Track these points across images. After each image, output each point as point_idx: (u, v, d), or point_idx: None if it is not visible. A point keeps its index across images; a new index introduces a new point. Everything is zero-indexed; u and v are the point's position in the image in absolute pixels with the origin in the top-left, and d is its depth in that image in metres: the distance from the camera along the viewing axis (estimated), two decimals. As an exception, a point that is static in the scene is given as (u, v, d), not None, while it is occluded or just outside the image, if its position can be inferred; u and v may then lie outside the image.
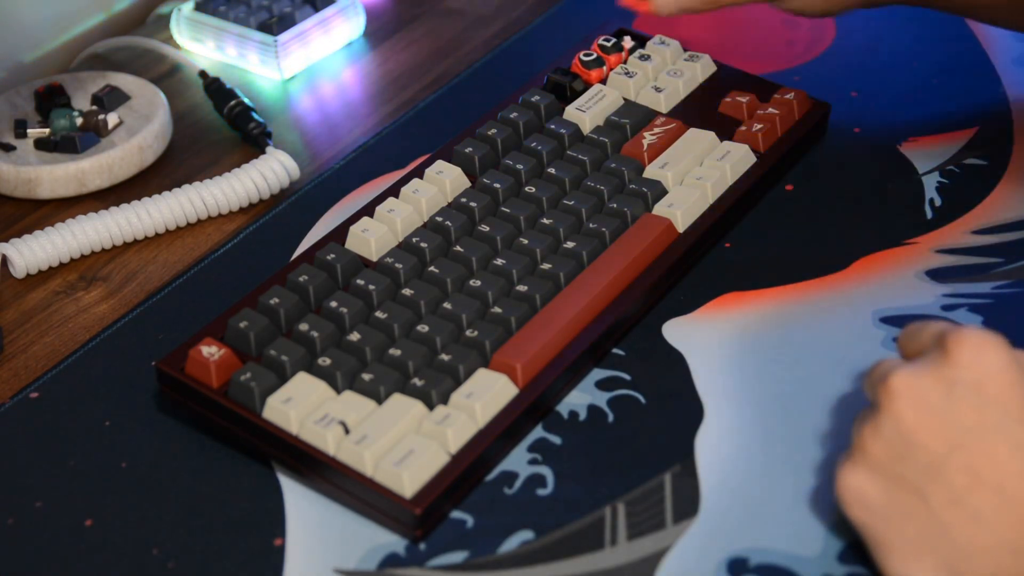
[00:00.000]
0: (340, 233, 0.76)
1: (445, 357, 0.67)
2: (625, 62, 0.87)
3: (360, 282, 0.71)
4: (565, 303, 0.70)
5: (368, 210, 0.77)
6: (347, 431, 0.64)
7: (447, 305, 0.70)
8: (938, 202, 0.80)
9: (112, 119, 0.88)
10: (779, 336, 0.72)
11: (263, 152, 0.87)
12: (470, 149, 0.80)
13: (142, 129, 0.87)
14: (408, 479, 0.62)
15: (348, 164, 0.87)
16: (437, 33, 1.01)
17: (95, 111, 0.88)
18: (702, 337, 0.72)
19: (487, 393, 0.65)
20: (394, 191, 0.78)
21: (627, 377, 0.70)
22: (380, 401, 0.65)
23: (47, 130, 0.87)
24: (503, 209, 0.76)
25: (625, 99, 0.85)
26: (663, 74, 0.86)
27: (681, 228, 0.76)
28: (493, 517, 0.63)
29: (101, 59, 0.99)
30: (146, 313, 0.76)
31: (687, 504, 0.63)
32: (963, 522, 0.55)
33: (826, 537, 0.61)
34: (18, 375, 0.73)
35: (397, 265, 0.72)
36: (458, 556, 0.62)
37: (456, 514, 0.64)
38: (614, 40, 0.88)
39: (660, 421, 0.68)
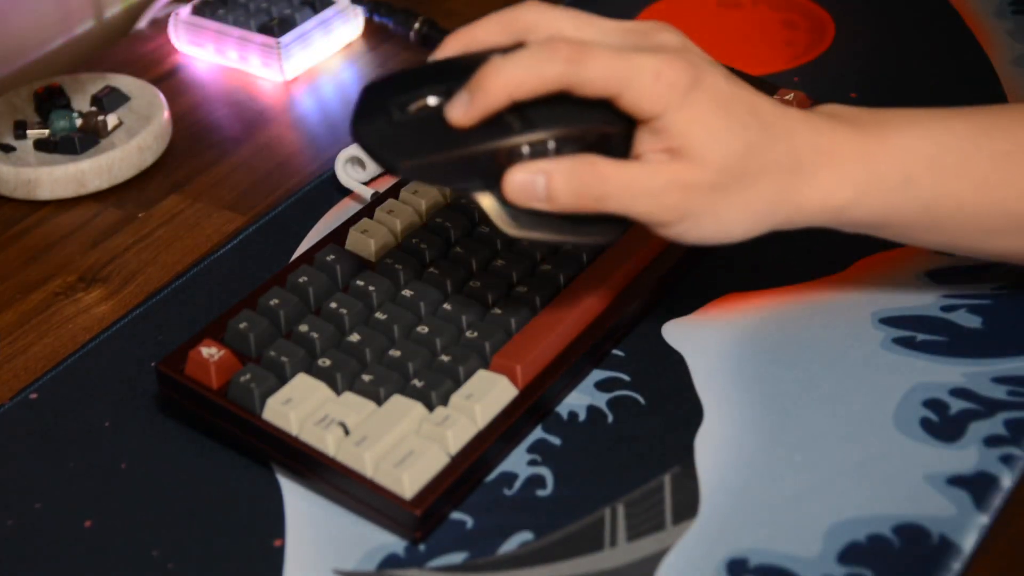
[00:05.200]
0: (340, 234, 0.76)
1: (445, 358, 0.67)
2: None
3: (360, 283, 0.71)
4: (565, 304, 0.70)
5: (368, 211, 0.77)
6: (347, 432, 0.64)
7: (447, 306, 0.70)
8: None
9: (112, 120, 0.88)
10: (779, 336, 0.72)
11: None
12: (470, 150, 0.80)
13: (141, 130, 0.87)
14: (408, 480, 0.62)
15: (348, 165, 0.87)
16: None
17: (94, 112, 0.88)
18: (702, 338, 0.72)
19: (487, 394, 0.65)
20: (394, 192, 0.78)
21: (627, 378, 0.70)
22: (380, 402, 0.65)
23: (47, 131, 0.87)
24: (503, 210, 0.76)
25: (625, 100, 0.85)
26: (663, 75, 0.86)
27: (681, 229, 0.76)
28: (493, 518, 0.63)
29: (101, 60, 0.99)
30: (146, 314, 0.76)
31: (687, 505, 0.63)
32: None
33: (826, 537, 0.61)
34: (18, 375, 0.73)
35: (397, 266, 0.72)
36: (458, 557, 0.62)
37: (456, 515, 0.64)
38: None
39: (660, 421, 0.68)
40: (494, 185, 0.60)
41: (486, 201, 0.60)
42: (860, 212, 0.64)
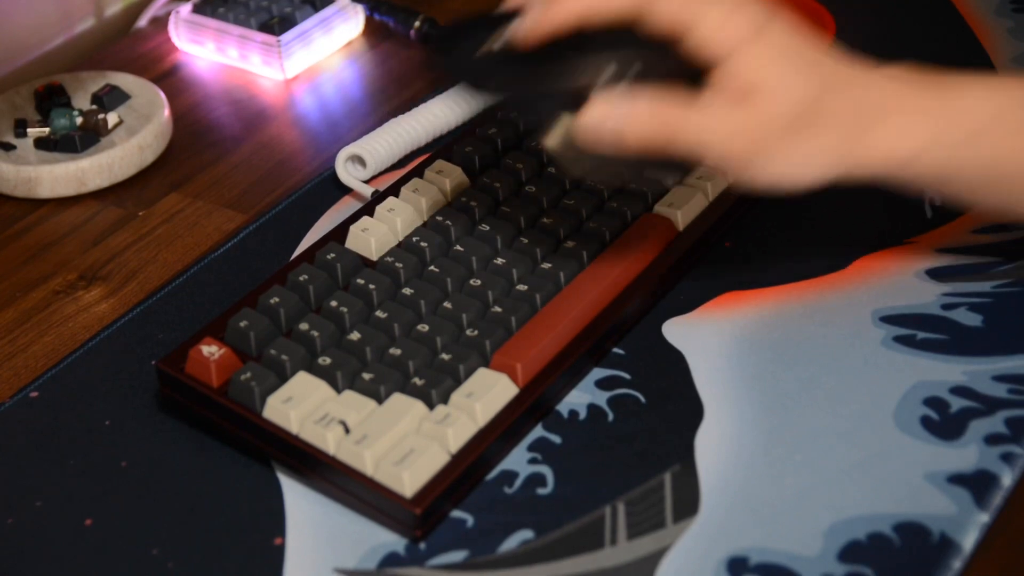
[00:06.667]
0: (340, 232, 0.76)
1: (445, 357, 0.67)
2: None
3: (360, 282, 0.71)
4: (565, 303, 0.70)
5: (368, 210, 0.77)
6: (347, 431, 0.64)
7: (447, 305, 0.70)
8: (938, 201, 0.80)
9: (112, 118, 0.88)
10: (779, 336, 0.72)
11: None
12: (470, 148, 0.80)
13: (142, 129, 0.87)
14: (408, 479, 0.62)
15: (348, 164, 0.87)
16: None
17: (95, 110, 0.88)
18: (702, 337, 0.72)
19: (487, 393, 0.65)
20: (394, 191, 0.78)
21: (627, 376, 0.70)
22: (380, 401, 0.65)
23: (47, 129, 0.87)
24: (503, 209, 0.76)
25: (625, 98, 0.85)
26: (663, 73, 0.86)
27: (681, 227, 0.76)
28: (493, 516, 0.63)
29: (101, 58, 0.99)
30: (146, 313, 0.76)
31: (687, 504, 0.63)
32: None
33: (826, 537, 0.61)
34: (18, 375, 0.73)
35: (397, 265, 0.72)
36: (458, 555, 0.62)
37: (456, 513, 0.64)
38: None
39: (660, 421, 0.68)
40: (564, 121, 0.61)
41: (556, 136, 0.62)
42: (923, 166, 0.65)
